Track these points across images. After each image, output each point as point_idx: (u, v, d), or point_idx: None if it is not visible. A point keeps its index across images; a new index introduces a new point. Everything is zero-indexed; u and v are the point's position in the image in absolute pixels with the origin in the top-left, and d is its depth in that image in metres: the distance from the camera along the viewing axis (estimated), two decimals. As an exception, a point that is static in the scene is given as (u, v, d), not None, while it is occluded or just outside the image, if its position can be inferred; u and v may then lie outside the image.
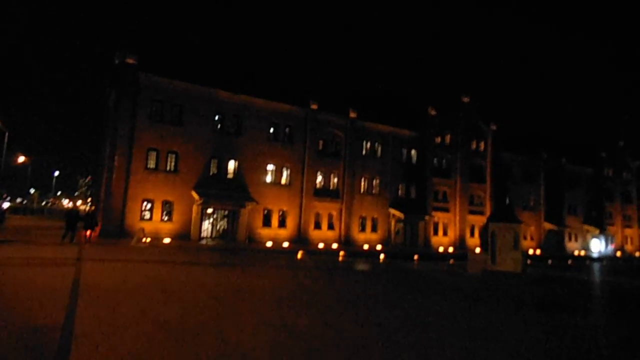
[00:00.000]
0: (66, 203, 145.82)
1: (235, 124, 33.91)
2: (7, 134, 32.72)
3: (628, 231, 61.98)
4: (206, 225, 33.13)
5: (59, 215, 74.51)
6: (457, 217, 45.27)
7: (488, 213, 47.52)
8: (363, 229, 39.50)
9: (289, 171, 35.98)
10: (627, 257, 55.19)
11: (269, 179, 35.12)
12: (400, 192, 42.06)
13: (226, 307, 8.75)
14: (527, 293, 13.81)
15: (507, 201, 50.51)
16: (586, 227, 57.21)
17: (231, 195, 32.54)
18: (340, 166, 38.52)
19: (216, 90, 32.72)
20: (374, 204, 40.19)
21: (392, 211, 40.68)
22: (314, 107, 36.88)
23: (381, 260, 28.68)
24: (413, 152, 43.33)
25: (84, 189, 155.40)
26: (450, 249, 42.63)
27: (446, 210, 44.75)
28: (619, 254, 57.68)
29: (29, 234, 26.76)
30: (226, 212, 33.93)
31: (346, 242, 37.92)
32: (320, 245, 34.93)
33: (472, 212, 46.61)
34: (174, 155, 31.27)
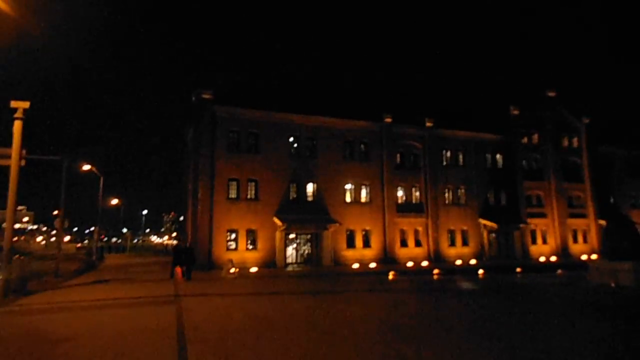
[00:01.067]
0: (155, 239, 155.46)
1: (310, 146, 33.50)
2: (101, 178, 34.82)
3: None
4: (290, 251, 32.65)
5: (149, 250, 78.92)
6: (556, 223, 41.06)
7: (591, 215, 42.78)
8: (453, 243, 36.93)
9: (368, 189, 34.73)
10: None
11: (348, 198, 34.07)
12: (489, 200, 39.04)
13: (348, 346, 7.60)
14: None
15: (612, 200, 45.36)
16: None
17: (312, 218, 31.87)
18: (421, 178, 36.58)
19: (289, 114, 32.63)
20: (462, 216, 37.57)
21: (483, 221, 37.74)
22: (388, 120, 35.58)
23: (480, 276, 26.29)
24: (498, 156, 40.26)
25: (168, 224, 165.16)
26: (553, 258, 38.60)
27: (543, 215, 40.80)
28: None
29: (127, 271, 27.76)
30: (309, 236, 33.27)
31: (436, 258, 35.59)
32: (409, 264, 33.01)
33: (572, 216, 42.13)
34: (253, 184, 31.35)
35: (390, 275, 26.22)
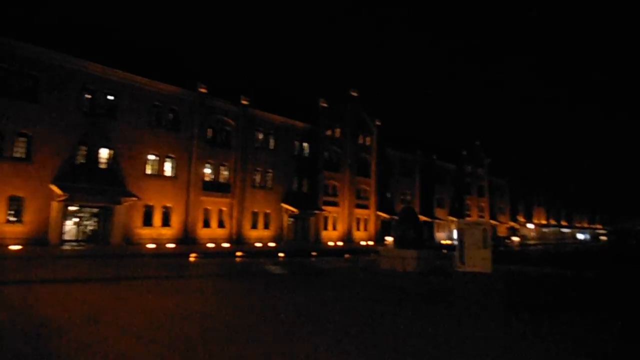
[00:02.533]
0: None
1: (109, 105, 28.40)
2: None
3: (484, 220, 70.05)
4: (70, 226, 27.18)
5: None
6: (346, 211, 45.43)
7: (372, 207, 48.85)
8: (255, 226, 36.89)
9: (174, 162, 31.58)
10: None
11: (149, 170, 30.31)
12: (293, 186, 40.42)
13: None
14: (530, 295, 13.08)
15: (389, 195, 52.85)
16: (451, 218, 62.92)
17: (104, 189, 27.15)
18: (232, 158, 35.28)
19: (83, 61, 26.88)
20: (267, 199, 37.85)
21: (285, 206, 38.84)
22: (203, 90, 32.99)
23: (281, 259, 26.74)
24: (305, 145, 42.03)
25: None
26: (340, 243, 42.55)
27: (336, 204, 44.54)
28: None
29: None
30: (96, 210, 28.32)
31: (238, 240, 34.95)
32: (210, 245, 31.46)
33: (358, 206, 47.28)
34: (24, 139, 24.80)
35: (192, 258, 24.28)
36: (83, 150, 27.01)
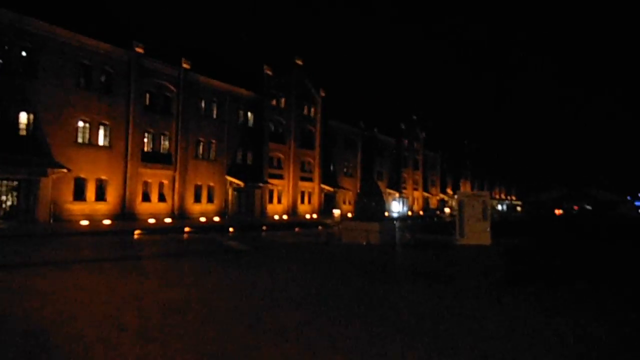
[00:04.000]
0: None
1: (27, 61, 24.48)
2: None
3: (416, 193, 72.56)
4: (-17, 201, 23.50)
5: None
6: (291, 184, 44.37)
7: (316, 180, 48.23)
8: (198, 200, 34.68)
9: (108, 130, 28.34)
10: (416, 216, 64.38)
11: (80, 139, 26.93)
12: (237, 157, 38.42)
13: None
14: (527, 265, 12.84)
15: (332, 168, 52.46)
16: (389, 191, 64.25)
17: (25, 160, 23.63)
18: (172, 126, 32.49)
19: (-5, 8, 22.73)
20: (210, 171, 35.61)
21: (230, 179, 36.89)
22: (140, 50, 29.68)
23: (232, 234, 25.38)
24: (250, 114, 39.95)
25: None
26: (285, 217, 41.61)
27: (281, 177, 43.27)
28: (409, 213, 66.98)
29: None
30: (15, 183, 24.71)
31: (180, 215, 32.66)
32: (151, 221, 29.03)
33: (302, 179, 46.41)
34: None
35: (136, 235, 22.09)
36: (-3, 113, 23.17)
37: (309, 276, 10.21)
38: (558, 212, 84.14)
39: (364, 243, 19.26)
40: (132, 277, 9.68)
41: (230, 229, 28.10)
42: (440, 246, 17.52)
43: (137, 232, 22.92)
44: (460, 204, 15.96)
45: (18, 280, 8.87)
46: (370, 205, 21.31)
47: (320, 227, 33.94)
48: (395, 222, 33.39)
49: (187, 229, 25.80)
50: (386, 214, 55.91)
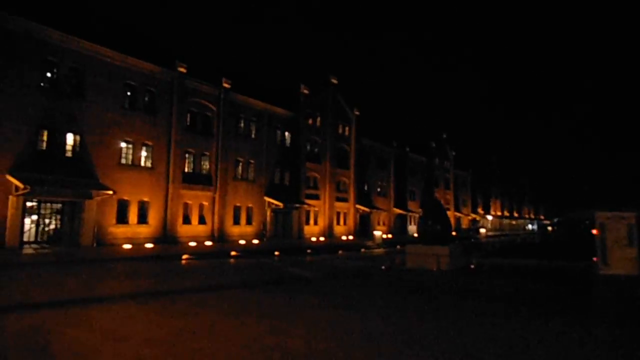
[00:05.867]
0: None
1: (75, 82, 24.07)
2: None
3: (448, 214, 70.38)
4: (27, 225, 22.80)
5: None
6: (327, 205, 43.12)
7: (351, 200, 46.90)
8: (237, 222, 33.61)
9: (151, 150, 27.68)
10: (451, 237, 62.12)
11: (124, 160, 26.28)
12: (275, 178, 37.46)
13: None
14: None
15: (366, 188, 51.12)
16: (421, 210, 62.36)
17: (72, 181, 22.97)
18: (213, 146, 31.75)
19: (42, 26, 22.41)
20: (249, 192, 34.64)
21: (268, 199, 35.85)
22: (182, 69, 29.22)
23: (277, 257, 24.22)
24: (287, 134, 39.12)
25: None
26: (322, 238, 40.25)
27: (317, 197, 42.09)
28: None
29: None
30: (60, 206, 24.04)
31: (220, 237, 31.60)
32: (192, 244, 28.03)
33: (338, 199, 45.14)
34: (-28, 121, 20.21)
35: (184, 260, 21.02)
36: (44, 135, 22.64)
37: (430, 317, 8.84)
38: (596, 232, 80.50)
39: (434, 269, 17.83)
40: (223, 316, 8.46)
41: (276, 253, 26.86)
42: (561, 275, 15.95)
43: (184, 257, 21.83)
44: (601, 226, 14.12)
45: (107, 321, 7.74)
46: (436, 228, 19.91)
47: (362, 250, 32.66)
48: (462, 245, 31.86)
49: (233, 253, 24.64)
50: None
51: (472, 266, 19.43)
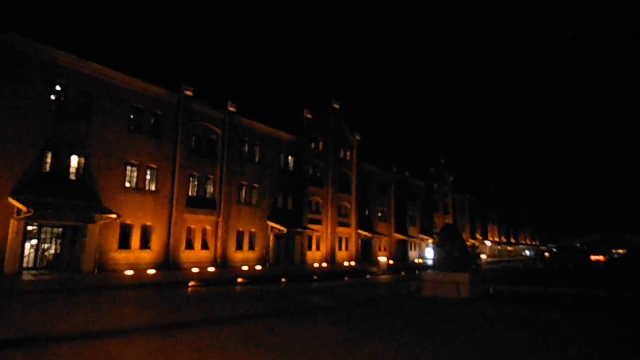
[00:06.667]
0: None
1: (82, 104, 23.68)
2: None
3: None
4: (28, 249, 21.93)
5: None
6: (329, 230, 42.44)
7: (353, 225, 46.29)
8: (240, 247, 32.81)
9: (155, 174, 27.10)
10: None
11: (129, 183, 25.66)
12: (279, 202, 36.88)
13: None
14: None
15: (367, 213, 50.60)
16: (422, 236, 61.90)
17: (76, 205, 22.27)
18: (217, 170, 31.25)
19: (51, 49, 22.17)
20: (252, 217, 33.97)
21: (272, 224, 35.16)
22: (189, 93, 29.00)
23: (284, 284, 23.57)
24: (290, 158, 38.78)
25: None
26: (324, 265, 39.41)
27: (319, 222, 41.44)
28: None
29: None
30: (61, 230, 23.23)
31: (223, 263, 30.74)
32: (195, 270, 27.15)
33: (340, 225, 44.49)
34: (-24, 142, 19.64)
35: (190, 288, 20.20)
36: (49, 157, 22.07)
37: (490, 351, 8.26)
38: (595, 258, 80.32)
39: (454, 297, 17.23)
40: (269, 356, 7.81)
41: (283, 280, 26.10)
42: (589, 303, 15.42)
43: (191, 284, 21.00)
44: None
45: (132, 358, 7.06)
46: (454, 254, 19.38)
47: (368, 276, 31.97)
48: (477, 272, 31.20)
49: (240, 280, 23.82)
50: (419, 260, 53.35)
51: (492, 293, 18.86)
